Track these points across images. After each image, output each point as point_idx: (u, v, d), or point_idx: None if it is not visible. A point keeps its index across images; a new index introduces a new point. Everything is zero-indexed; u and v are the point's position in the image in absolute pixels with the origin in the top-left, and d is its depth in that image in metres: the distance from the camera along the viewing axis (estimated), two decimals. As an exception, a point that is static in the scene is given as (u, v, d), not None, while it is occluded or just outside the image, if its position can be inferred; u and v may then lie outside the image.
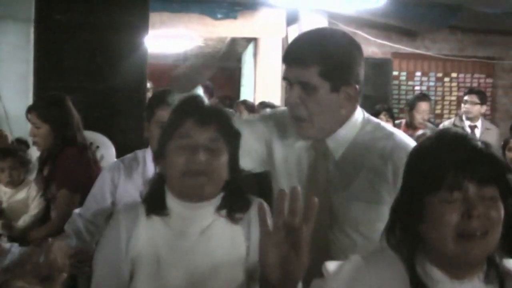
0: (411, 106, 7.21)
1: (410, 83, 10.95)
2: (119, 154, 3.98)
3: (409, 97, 9.09)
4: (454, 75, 11.09)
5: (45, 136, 4.19)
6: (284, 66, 2.39)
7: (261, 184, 2.70)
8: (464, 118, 7.43)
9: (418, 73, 10.98)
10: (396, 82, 10.71)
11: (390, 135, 2.39)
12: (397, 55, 10.62)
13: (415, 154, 1.79)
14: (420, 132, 6.39)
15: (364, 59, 2.40)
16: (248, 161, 2.41)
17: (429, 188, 1.65)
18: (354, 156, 2.37)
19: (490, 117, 10.33)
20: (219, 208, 2.11)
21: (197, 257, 2.05)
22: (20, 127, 6.50)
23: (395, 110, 9.21)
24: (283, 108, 2.67)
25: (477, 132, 7.29)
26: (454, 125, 7.31)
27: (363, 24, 10.07)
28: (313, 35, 2.45)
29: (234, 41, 12.63)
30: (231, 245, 2.08)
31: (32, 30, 6.53)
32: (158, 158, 2.19)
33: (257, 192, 2.32)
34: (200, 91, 2.42)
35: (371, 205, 2.34)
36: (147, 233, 2.09)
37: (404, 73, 10.89)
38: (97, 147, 4.36)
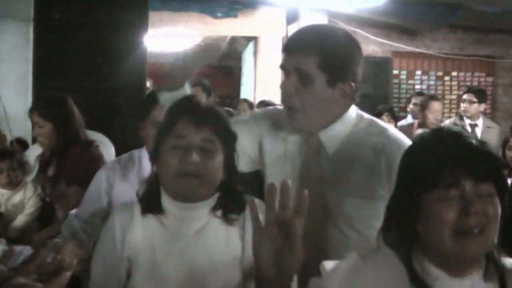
0: (424, 106, 7.14)
1: (410, 82, 10.94)
2: (119, 154, 3.98)
3: (410, 96, 9.03)
4: (454, 73, 11.09)
5: (49, 135, 4.21)
6: (283, 55, 2.38)
7: (260, 183, 2.68)
8: (464, 116, 7.42)
9: (419, 72, 10.98)
10: (396, 81, 10.70)
11: (383, 130, 2.40)
12: (397, 53, 10.62)
13: (411, 151, 1.79)
14: (419, 131, 6.37)
15: (363, 60, 2.41)
16: (239, 162, 2.38)
17: (425, 186, 1.65)
18: (348, 151, 2.36)
19: (490, 116, 10.32)
20: (214, 209, 2.10)
21: (193, 257, 2.04)
22: (20, 126, 6.51)
23: (395, 109, 9.20)
24: (275, 106, 2.70)
25: (478, 131, 7.30)
26: (455, 124, 7.30)
27: (363, 23, 10.07)
28: (315, 28, 2.50)
29: (234, 39, 12.63)
30: (226, 245, 2.07)
31: (31, 29, 6.53)
32: (153, 158, 2.16)
33: (256, 191, 2.30)
34: (188, 88, 2.39)
35: (365, 201, 2.34)
36: (142, 233, 2.08)
37: (404, 72, 10.89)
38: (97, 146, 4.36)
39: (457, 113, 10.14)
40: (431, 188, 1.63)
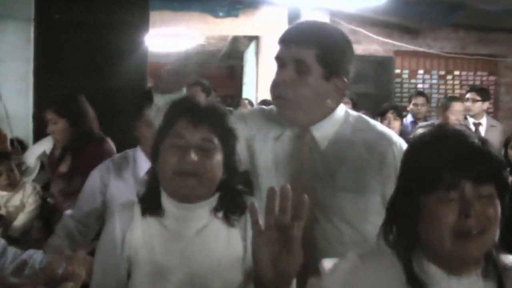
0: (445, 107, 7.00)
1: (412, 81, 10.93)
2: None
3: (410, 96, 8.99)
4: (456, 73, 11.08)
5: (63, 131, 4.28)
6: (279, 46, 2.40)
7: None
8: (467, 115, 7.39)
9: (421, 71, 10.97)
10: (398, 80, 10.70)
11: (372, 126, 2.46)
12: (399, 53, 10.61)
13: (411, 151, 1.79)
14: (420, 130, 6.34)
15: (355, 58, 2.46)
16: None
17: (425, 187, 1.64)
18: (339, 147, 2.40)
19: (492, 115, 10.29)
20: (215, 210, 2.09)
21: (193, 257, 2.03)
22: (20, 126, 6.51)
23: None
24: (261, 106, 2.72)
25: (482, 130, 7.27)
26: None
27: (364, 22, 10.06)
28: (312, 23, 2.53)
29: (236, 39, 12.62)
30: (227, 245, 2.06)
31: (32, 29, 6.53)
32: (152, 157, 2.16)
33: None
34: (184, 92, 2.39)
35: (358, 195, 2.37)
36: (142, 233, 2.08)
37: (406, 71, 10.88)
38: (110, 142, 4.39)
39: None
40: (431, 189, 1.63)
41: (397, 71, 10.63)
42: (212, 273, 2.02)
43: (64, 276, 1.64)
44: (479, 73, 11.14)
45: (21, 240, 4.16)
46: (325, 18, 9.22)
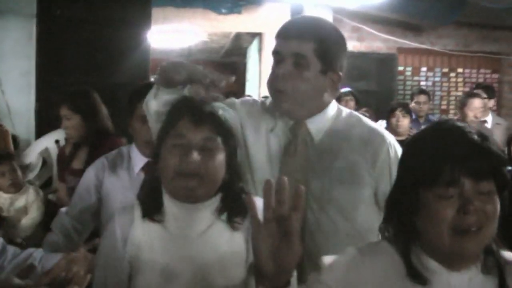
0: (463, 103, 6.90)
1: (415, 78, 10.89)
2: (121, 150, 3.99)
3: (412, 93, 8.95)
4: (460, 70, 11.04)
5: (77, 127, 4.29)
6: (277, 41, 2.43)
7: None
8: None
9: (424, 69, 10.93)
10: (401, 77, 10.66)
11: (364, 121, 2.54)
12: (402, 50, 10.58)
13: (411, 146, 1.79)
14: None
15: (347, 53, 2.50)
16: None
17: (424, 183, 1.65)
18: (333, 140, 2.45)
19: (496, 113, 10.26)
20: (218, 211, 2.07)
21: (196, 259, 2.01)
22: (23, 123, 6.51)
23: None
24: (252, 98, 2.74)
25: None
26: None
27: (367, 19, 10.04)
28: (309, 17, 2.61)
29: (239, 36, 12.62)
30: (230, 247, 2.04)
31: (34, 26, 6.52)
32: (154, 158, 2.13)
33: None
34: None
35: (352, 187, 2.42)
36: (143, 235, 2.05)
37: (409, 68, 10.84)
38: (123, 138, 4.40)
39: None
40: (430, 185, 1.64)
41: (400, 68, 10.59)
42: (215, 275, 2.00)
43: (69, 279, 1.64)
44: (482, 70, 11.10)
45: (23, 244, 4.14)
46: (327, 15, 9.21)
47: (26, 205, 4.48)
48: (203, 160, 1.98)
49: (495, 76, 11.11)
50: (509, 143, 5.97)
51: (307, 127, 2.45)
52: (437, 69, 10.97)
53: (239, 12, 9.83)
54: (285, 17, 9.94)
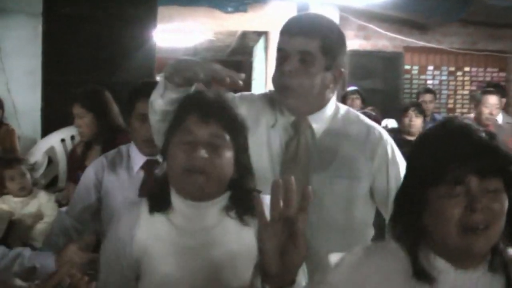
0: (478, 100, 6.76)
1: (422, 77, 10.86)
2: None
3: (418, 92, 8.92)
4: (466, 69, 11.00)
5: (90, 125, 4.32)
6: (282, 38, 2.47)
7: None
8: None
9: (430, 67, 10.89)
10: (407, 76, 10.64)
11: (362, 118, 2.63)
12: (409, 48, 10.55)
13: (418, 145, 1.79)
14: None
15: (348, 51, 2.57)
16: None
17: (431, 182, 1.65)
18: (333, 135, 2.52)
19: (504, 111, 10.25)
20: (227, 209, 2.05)
21: (204, 258, 2.00)
22: (29, 121, 6.51)
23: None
24: (251, 93, 2.74)
25: (498, 126, 7.16)
26: None
27: (373, 17, 10.02)
28: (312, 15, 2.63)
29: (244, 34, 12.61)
30: (240, 245, 2.02)
31: (40, 24, 6.52)
32: (162, 154, 2.12)
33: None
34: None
35: (350, 181, 2.50)
36: (150, 233, 2.04)
37: (416, 67, 10.81)
38: None
39: (469, 109, 10.12)
40: (437, 184, 1.64)
41: (407, 67, 10.57)
42: (224, 272, 1.99)
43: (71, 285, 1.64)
44: (489, 69, 11.07)
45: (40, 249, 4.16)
46: (334, 13, 9.20)
47: (40, 208, 4.49)
48: (211, 157, 1.95)
49: (502, 74, 11.07)
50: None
51: (309, 123, 2.50)
52: (444, 68, 10.94)
53: (244, 11, 9.81)
54: (291, 16, 9.92)
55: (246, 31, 11.90)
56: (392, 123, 7.63)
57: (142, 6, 6.43)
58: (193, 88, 2.23)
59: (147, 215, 2.06)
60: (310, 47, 2.38)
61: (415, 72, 10.80)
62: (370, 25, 10.07)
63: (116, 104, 4.48)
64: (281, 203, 1.55)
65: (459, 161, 1.61)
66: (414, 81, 10.77)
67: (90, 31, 6.36)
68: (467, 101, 10.93)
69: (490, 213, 1.61)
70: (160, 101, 2.27)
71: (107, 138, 4.22)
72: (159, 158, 3.29)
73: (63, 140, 5.69)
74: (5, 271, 2.33)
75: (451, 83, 10.99)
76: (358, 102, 7.76)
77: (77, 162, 4.46)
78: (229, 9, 9.73)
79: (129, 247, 2.04)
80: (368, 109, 6.81)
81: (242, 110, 2.46)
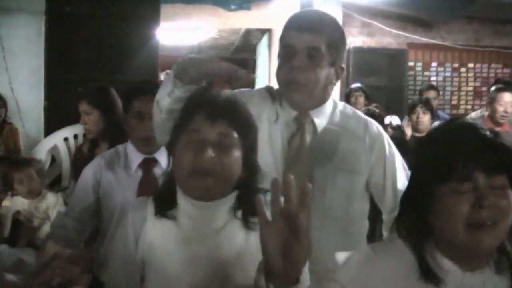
0: (492, 98, 6.61)
1: (426, 73, 10.83)
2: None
3: (421, 89, 8.88)
4: (470, 65, 10.97)
5: (96, 122, 4.32)
6: (289, 34, 2.50)
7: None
8: None
9: (434, 64, 10.86)
10: (411, 72, 10.61)
11: (358, 114, 2.71)
12: (413, 45, 10.53)
13: (425, 143, 1.80)
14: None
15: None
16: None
17: (438, 179, 1.67)
18: (333, 130, 2.58)
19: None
20: (234, 209, 2.00)
21: (211, 258, 1.96)
22: (32, 120, 6.51)
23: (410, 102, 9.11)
24: (248, 89, 2.74)
25: (505, 123, 7.11)
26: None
27: (377, 14, 10.01)
28: (316, 11, 2.70)
29: (248, 32, 12.60)
30: (247, 246, 1.98)
31: (43, 23, 6.52)
32: (169, 154, 2.07)
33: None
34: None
35: (352, 174, 2.57)
36: (156, 234, 2.01)
37: (420, 64, 10.78)
38: None
39: (473, 106, 10.10)
40: (444, 181, 1.65)
41: (411, 63, 10.54)
42: (231, 273, 1.95)
43: (65, 278, 1.61)
44: (493, 65, 11.04)
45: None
46: (337, 10, 9.18)
47: (47, 211, 4.48)
48: (219, 157, 1.90)
49: (507, 70, 11.04)
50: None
51: (312, 118, 2.55)
52: (448, 64, 10.91)
53: (248, 8, 9.80)
54: (295, 12, 9.91)
55: (250, 28, 11.90)
56: (395, 119, 7.61)
57: (145, 5, 6.42)
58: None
59: (153, 215, 2.02)
60: (318, 43, 2.43)
61: (419, 68, 10.78)
62: (374, 22, 10.06)
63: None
64: (282, 201, 1.54)
65: (466, 157, 1.62)
66: (418, 78, 10.74)
67: (93, 30, 6.35)
68: (471, 98, 10.91)
69: (497, 209, 1.62)
70: (168, 99, 2.25)
71: (114, 134, 4.20)
72: (157, 156, 3.29)
73: (66, 139, 5.68)
74: (14, 271, 2.31)
75: (455, 79, 10.96)
76: (361, 99, 7.74)
77: (83, 160, 4.45)
78: (233, 6, 9.72)
79: (135, 247, 2.01)
80: (372, 106, 6.79)
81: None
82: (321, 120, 2.57)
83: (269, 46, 11.74)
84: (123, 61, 6.25)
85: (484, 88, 10.54)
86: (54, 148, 5.67)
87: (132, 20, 6.34)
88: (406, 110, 7.19)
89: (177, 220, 2.00)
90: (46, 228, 4.39)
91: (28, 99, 6.65)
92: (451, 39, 10.68)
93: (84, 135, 5.31)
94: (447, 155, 1.65)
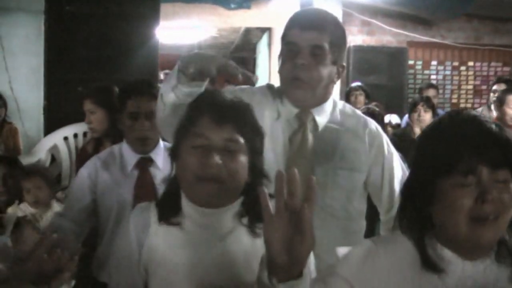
0: (501, 101, 6.42)
1: (426, 72, 10.82)
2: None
3: (420, 88, 8.86)
4: (470, 64, 10.96)
5: (101, 121, 4.34)
6: (292, 32, 2.51)
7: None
8: (492, 107, 7.19)
9: (434, 62, 10.85)
10: (411, 71, 10.60)
11: (358, 113, 2.73)
12: (413, 44, 10.52)
13: (427, 136, 1.81)
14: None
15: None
16: None
17: (441, 172, 1.67)
18: (334, 128, 2.60)
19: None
20: (240, 215, 1.97)
21: (216, 265, 1.93)
22: (32, 119, 6.51)
23: (410, 100, 9.09)
24: (249, 86, 2.76)
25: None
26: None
27: (377, 12, 10.01)
28: (318, 10, 2.69)
29: (248, 31, 12.59)
30: (253, 253, 1.92)
31: (43, 22, 6.51)
32: (172, 158, 2.01)
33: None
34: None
35: (352, 172, 2.58)
36: (160, 239, 1.97)
37: (419, 62, 10.77)
38: None
39: (473, 104, 10.10)
40: (448, 174, 1.65)
41: (411, 62, 10.53)
42: (237, 280, 1.92)
43: (54, 264, 1.56)
44: (493, 64, 11.02)
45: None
46: (337, 9, 9.18)
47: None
48: (226, 163, 1.86)
49: (507, 69, 11.02)
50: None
51: (313, 116, 2.57)
52: (448, 63, 10.90)
53: (248, 7, 9.79)
54: (297, 10, 9.89)
55: (250, 27, 11.89)
56: (394, 118, 7.61)
57: (145, 4, 6.40)
58: (205, 84, 2.22)
59: (156, 221, 1.99)
60: (321, 42, 2.45)
61: (418, 67, 10.77)
62: (374, 21, 10.05)
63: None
64: (285, 195, 1.52)
65: (470, 151, 1.63)
66: (418, 76, 10.74)
67: (92, 29, 6.34)
68: (471, 96, 10.91)
69: (500, 204, 1.62)
70: (172, 95, 2.24)
71: (119, 134, 4.20)
72: (152, 155, 3.28)
73: (66, 138, 5.68)
74: None
75: (455, 78, 10.95)
76: (361, 98, 7.73)
77: (88, 159, 4.45)
78: (233, 5, 9.71)
79: (138, 252, 1.98)
80: (372, 105, 6.79)
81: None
82: (322, 118, 2.58)
83: (269, 45, 11.74)
84: (123, 60, 6.23)
85: (484, 87, 10.55)
86: (54, 147, 5.66)
87: (132, 19, 6.32)
88: (406, 109, 7.19)
89: (181, 226, 1.97)
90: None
91: (28, 98, 6.65)
92: (451, 37, 10.67)
93: (84, 134, 5.32)
94: (451, 148, 1.65)
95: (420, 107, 6.46)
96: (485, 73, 10.89)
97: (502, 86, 7.19)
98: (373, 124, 2.68)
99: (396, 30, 10.27)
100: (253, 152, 1.95)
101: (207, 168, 1.85)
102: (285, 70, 2.50)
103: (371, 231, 2.92)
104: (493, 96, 7.26)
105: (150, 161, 3.28)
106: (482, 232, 1.62)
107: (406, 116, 7.13)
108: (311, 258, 1.89)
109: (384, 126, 6.06)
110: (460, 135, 1.66)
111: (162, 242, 1.97)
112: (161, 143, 3.35)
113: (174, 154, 1.99)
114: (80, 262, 2.14)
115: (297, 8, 9.55)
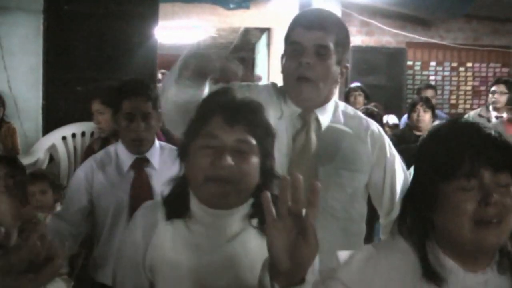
0: None
1: (424, 73, 10.82)
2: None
3: (419, 88, 8.86)
4: (469, 64, 10.96)
5: (109, 121, 4.36)
6: (296, 31, 2.51)
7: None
8: (491, 108, 7.21)
9: (433, 63, 10.86)
10: (410, 72, 10.60)
11: (359, 114, 2.73)
12: (412, 44, 10.52)
13: (428, 141, 1.80)
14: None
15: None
16: None
17: (443, 176, 1.66)
18: (336, 128, 2.59)
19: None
20: (249, 217, 1.94)
21: (225, 267, 1.90)
22: (30, 119, 6.50)
23: (409, 101, 9.09)
24: (249, 83, 2.69)
25: (504, 124, 7.06)
26: (480, 116, 7.07)
27: (376, 13, 10.01)
28: (323, 10, 2.70)
29: (247, 31, 12.59)
30: (262, 255, 1.79)
31: (41, 22, 6.51)
32: (181, 158, 1.97)
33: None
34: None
35: (354, 173, 2.58)
36: (168, 239, 1.94)
37: (418, 63, 10.77)
38: None
39: (472, 104, 10.09)
40: (450, 178, 1.65)
41: (409, 63, 10.53)
42: (246, 283, 1.89)
43: (45, 251, 1.53)
44: (492, 65, 11.03)
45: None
46: (336, 9, 9.17)
47: None
48: (237, 164, 1.83)
49: (505, 70, 11.03)
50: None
51: (316, 115, 2.56)
52: (446, 64, 10.90)
53: (247, 7, 9.79)
54: (294, 12, 9.88)
55: (249, 27, 11.89)
56: (392, 119, 7.61)
57: (144, 3, 6.41)
58: (206, 85, 2.21)
59: (164, 220, 1.96)
60: (326, 41, 2.46)
61: (417, 68, 10.77)
62: (373, 21, 10.05)
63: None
64: (289, 199, 1.50)
65: (472, 154, 1.63)
66: (417, 77, 10.74)
67: (91, 29, 6.34)
68: (469, 97, 10.90)
69: (502, 207, 1.62)
70: (173, 89, 2.22)
71: None
72: (148, 156, 3.28)
73: (64, 138, 5.68)
74: None
75: (454, 78, 10.95)
76: (361, 98, 7.72)
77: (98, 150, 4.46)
78: (232, 5, 9.71)
79: (144, 255, 1.95)
80: (371, 105, 6.79)
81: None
82: (325, 118, 2.58)
83: (268, 45, 11.74)
84: (122, 60, 6.24)
85: (483, 88, 10.55)
86: (53, 147, 5.67)
87: (131, 19, 6.33)
88: (405, 109, 7.18)
89: (189, 226, 1.94)
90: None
91: (26, 98, 6.64)
92: (450, 38, 10.67)
93: (83, 134, 5.33)
94: (453, 152, 1.65)
95: (420, 107, 6.47)
96: (484, 74, 10.89)
97: (501, 87, 7.20)
98: (375, 125, 2.68)
99: (395, 30, 10.27)
100: (264, 153, 1.92)
101: (218, 169, 1.82)
102: (290, 69, 2.49)
103: (369, 233, 2.92)
104: (491, 97, 7.27)
105: (146, 161, 3.27)
106: (486, 235, 1.62)
107: (405, 116, 7.15)
108: (316, 263, 1.86)
109: (382, 126, 6.06)
110: (461, 139, 1.67)
111: (169, 242, 1.94)
112: (157, 143, 3.34)
113: (183, 153, 1.95)
114: (79, 263, 2.14)
115: (296, 8, 9.56)
